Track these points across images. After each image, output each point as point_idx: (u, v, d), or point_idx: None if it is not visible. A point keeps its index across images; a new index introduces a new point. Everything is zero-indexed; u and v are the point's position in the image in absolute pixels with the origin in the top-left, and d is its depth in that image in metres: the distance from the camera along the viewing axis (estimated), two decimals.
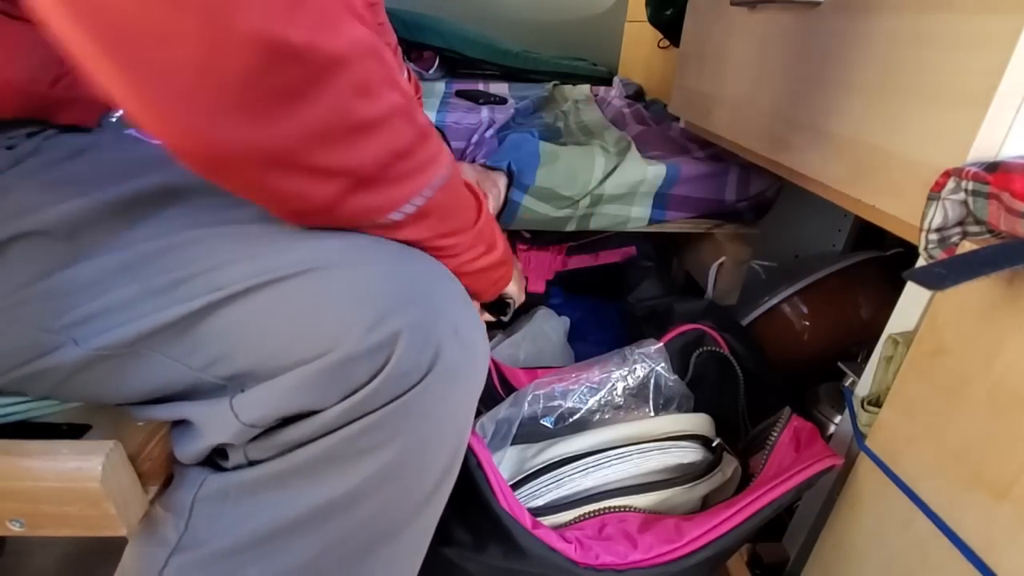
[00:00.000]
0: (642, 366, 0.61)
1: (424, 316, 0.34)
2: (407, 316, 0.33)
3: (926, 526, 0.40)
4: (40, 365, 0.33)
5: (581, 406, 0.59)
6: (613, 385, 0.60)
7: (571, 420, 0.59)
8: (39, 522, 0.35)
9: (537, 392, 0.59)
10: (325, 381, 0.33)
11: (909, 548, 0.42)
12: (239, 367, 0.34)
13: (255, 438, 0.35)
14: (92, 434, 0.37)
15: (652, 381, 0.61)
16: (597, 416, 0.59)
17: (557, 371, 0.63)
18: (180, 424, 0.37)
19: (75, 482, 0.33)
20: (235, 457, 0.36)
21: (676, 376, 0.62)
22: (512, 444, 0.55)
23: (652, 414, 0.60)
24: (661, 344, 0.64)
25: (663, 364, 0.62)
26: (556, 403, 0.59)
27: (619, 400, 0.60)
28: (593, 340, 0.89)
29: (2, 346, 0.33)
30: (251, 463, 0.36)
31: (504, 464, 0.54)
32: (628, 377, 0.61)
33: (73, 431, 0.37)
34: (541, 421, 0.58)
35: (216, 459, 0.38)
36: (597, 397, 0.59)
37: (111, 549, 0.73)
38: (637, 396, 0.61)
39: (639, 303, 0.81)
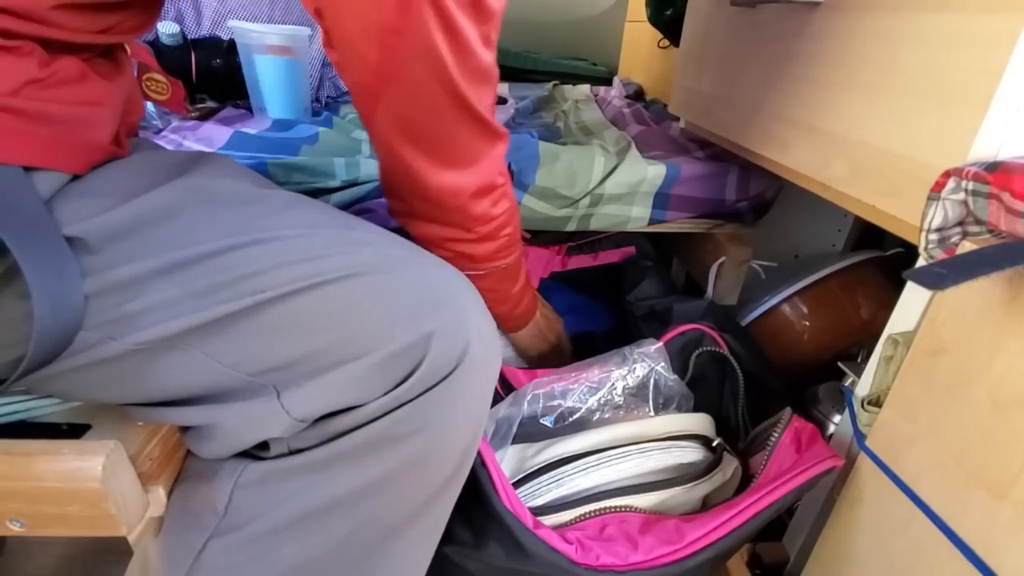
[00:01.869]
0: (642, 366, 0.61)
1: (454, 317, 0.38)
2: (440, 317, 0.37)
3: (926, 526, 0.40)
4: (73, 362, 0.34)
5: (581, 405, 0.59)
6: (613, 384, 0.60)
7: (571, 419, 0.59)
8: (39, 522, 0.35)
9: (537, 391, 0.59)
10: (371, 376, 0.36)
11: (909, 548, 0.42)
12: (275, 364, 0.36)
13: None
14: (92, 434, 0.37)
15: (652, 381, 0.61)
16: (597, 415, 0.59)
17: (557, 371, 0.63)
18: (209, 422, 0.37)
19: (75, 482, 0.33)
20: (277, 447, 0.38)
21: (676, 376, 0.62)
22: (512, 443, 0.55)
23: (652, 414, 0.60)
24: (661, 344, 0.64)
25: (663, 364, 0.61)
26: (556, 402, 0.59)
27: (619, 400, 0.60)
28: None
29: None
30: (292, 452, 0.38)
31: (504, 463, 0.54)
32: (628, 377, 0.61)
33: (73, 431, 0.37)
34: (541, 420, 0.58)
35: (251, 449, 0.39)
36: (597, 396, 0.59)
37: (111, 549, 0.73)
38: (637, 396, 0.60)
39: (638, 302, 0.81)
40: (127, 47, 0.43)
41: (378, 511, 0.39)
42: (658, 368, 0.61)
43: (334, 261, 0.36)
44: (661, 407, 0.60)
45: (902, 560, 0.43)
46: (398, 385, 0.36)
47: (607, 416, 0.59)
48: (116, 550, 0.73)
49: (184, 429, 0.40)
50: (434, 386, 0.37)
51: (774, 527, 0.58)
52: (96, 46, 0.38)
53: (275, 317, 0.35)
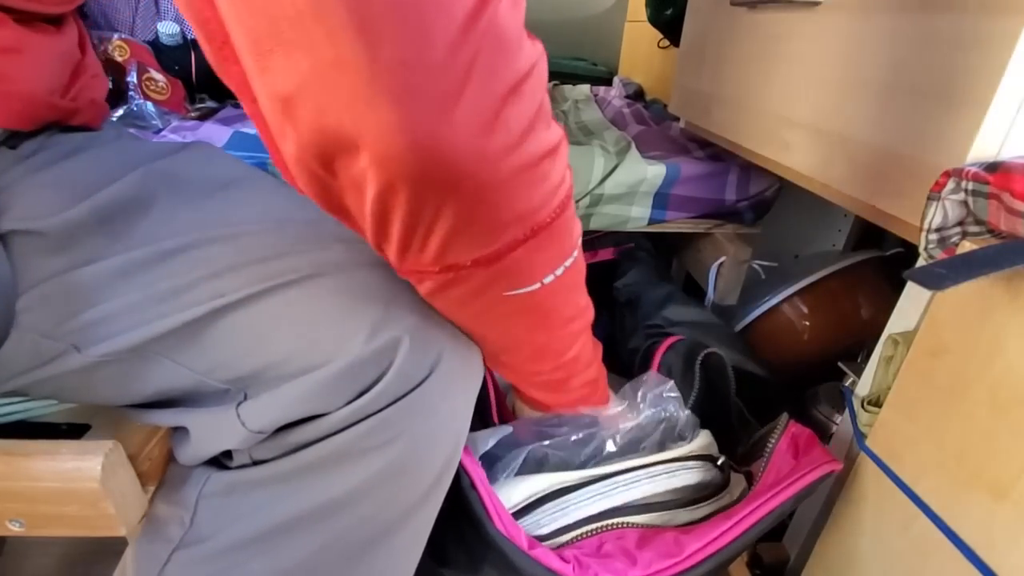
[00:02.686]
0: (654, 411, 0.56)
1: (424, 320, 0.34)
2: (408, 320, 0.34)
3: (927, 526, 0.40)
4: (42, 373, 0.33)
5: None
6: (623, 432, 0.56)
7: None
8: (39, 522, 0.35)
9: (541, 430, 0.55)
10: (331, 387, 0.33)
11: (910, 548, 0.42)
12: (243, 372, 0.34)
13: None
14: (92, 434, 0.37)
15: (665, 425, 0.56)
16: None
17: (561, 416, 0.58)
18: (182, 428, 0.37)
19: (74, 482, 0.33)
20: (239, 457, 0.37)
21: (688, 411, 0.58)
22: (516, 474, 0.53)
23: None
24: (671, 383, 0.58)
25: (674, 406, 0.57)
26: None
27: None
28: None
29: (7, 353, 0.32)
30: (255, 462, 0.36)
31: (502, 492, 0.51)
32: (641, 426, 0.56)
33: (73, 431, 0.37)
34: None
35: (219, 458, 0.38)
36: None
37: (111, 549, 0.73)
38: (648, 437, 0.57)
39: (624, 288, 0.81)
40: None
41: (352, 525, 0.36)
42: (670, 408, 0.56)
43: (297, 260, 0.34)
44: (674, 440, 0.57)
45: (902, 560, 0.43)
46: (361, 395, 0.34)
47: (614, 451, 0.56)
48: (115, 550, 0.73)
49: (172, 431, 0.39)
50: (404, 395, 0.34)
51: (774, 527, 0.58)
52: (30, 13, 0.36)
53: (235, 323, 0.33)
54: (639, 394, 0.56)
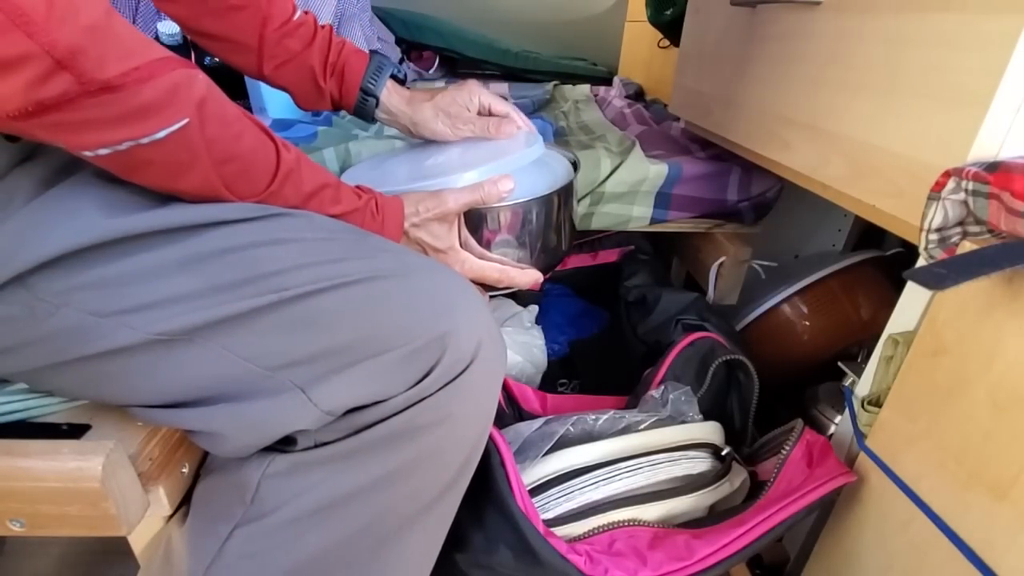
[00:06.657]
0: (673, 408, 0.59)
1: (467, 317, 0.40)
2: (454, 317, 0.39)
3: (926, 526, 0.40)
4: (86, 350, 0.33)
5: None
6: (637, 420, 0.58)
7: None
8: (39, 522, 0.35)
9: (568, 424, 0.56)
10: (395, 372, 0.38)
11: (909, 548, 0.42)
12: (295, 360, 0.36)
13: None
14: (92, 434, 0.37)
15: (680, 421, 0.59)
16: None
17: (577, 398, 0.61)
18: (231, 420, 0.37)
19: (75, 482, 0.33)
20: (304, 441, 0.39)
21: (700, 415, 0.59)
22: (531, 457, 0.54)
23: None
24: (688, 388, 0.61)
25: (690, 408, 0.59)
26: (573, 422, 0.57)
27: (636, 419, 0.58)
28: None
29: (51, 328, 0.33)
30: (318, 444, 0.39)
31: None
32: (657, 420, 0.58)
33: (73, 431, 0.37)
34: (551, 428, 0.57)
35: (275, 444, 0.39)
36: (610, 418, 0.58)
37: (111, 549, 0.73)
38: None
39: (632, 289, 0.81)
40: None
41: (396, 501, 0.40)
42: (684, 409, 0.59)
43: (355, 264, 0.38)
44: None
45: (902, 560, 0.43)
46: (421, 380, 0.38)
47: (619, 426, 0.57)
48: (116, 550, 0.73)
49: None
50: (451, 381, 0.39)
51: None
52: None
53: (298, 314, 0.36)
54: (662, 398, 0.60)
